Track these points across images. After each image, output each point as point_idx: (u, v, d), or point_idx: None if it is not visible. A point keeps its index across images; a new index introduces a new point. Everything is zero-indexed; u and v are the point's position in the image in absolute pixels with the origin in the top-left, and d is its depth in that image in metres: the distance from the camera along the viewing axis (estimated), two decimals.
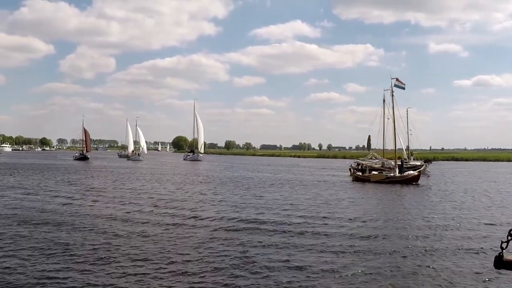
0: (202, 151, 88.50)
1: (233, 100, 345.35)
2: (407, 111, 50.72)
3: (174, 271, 9.61)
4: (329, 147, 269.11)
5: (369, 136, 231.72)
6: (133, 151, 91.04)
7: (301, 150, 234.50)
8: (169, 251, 11.45)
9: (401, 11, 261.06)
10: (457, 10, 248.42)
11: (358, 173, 37.40)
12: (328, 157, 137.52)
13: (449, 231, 14.75)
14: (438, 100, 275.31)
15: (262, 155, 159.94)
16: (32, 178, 35.81)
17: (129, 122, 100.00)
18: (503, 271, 3.84)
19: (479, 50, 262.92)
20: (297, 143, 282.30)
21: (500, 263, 3.59)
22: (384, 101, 45.54)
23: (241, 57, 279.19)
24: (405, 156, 44.57)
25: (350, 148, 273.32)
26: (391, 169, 36.48)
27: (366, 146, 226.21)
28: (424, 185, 33.65)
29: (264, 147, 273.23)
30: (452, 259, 10.98)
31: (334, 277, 9.48)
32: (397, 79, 35.15)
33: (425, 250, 11.86)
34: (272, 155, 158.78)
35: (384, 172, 36.70)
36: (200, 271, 9.67)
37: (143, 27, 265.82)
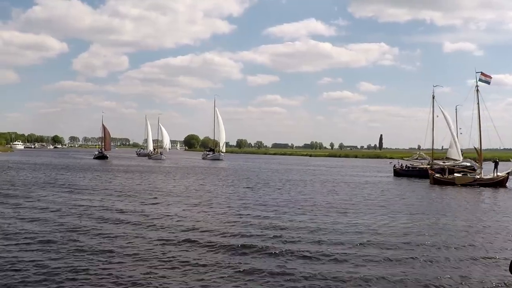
0: (224, 150, 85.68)
1: (246, 99, 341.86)
2: (456, 109, 47.74)
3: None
4: (341, 146, 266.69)
5: (381, 136, 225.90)
6: (155, 149, 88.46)
7: (312, 149, 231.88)
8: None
9: (416, 9, 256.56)
10: (472, 9, 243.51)
11: (437, 175, 34.28)
12: (340, 156, 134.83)
13: None
14: (451, 99, 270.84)
15: (274, 154, 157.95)
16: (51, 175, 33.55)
17: (148, 120, 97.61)
18: None
19: (493, 49, 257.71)
20: (309, 142, 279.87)
21: None
22: (433, 97, 42.90)
23: (254, 56, 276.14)
24: (458, 157, 41.56)
25: (362, 147, 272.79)
26: (474, 170, 33.52)
27: (378, 145, 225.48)
28: None
29: (275, 145, 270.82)
30: None
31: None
32: (482, 73, 32.01)
33: None
34: (284, 154, 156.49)
35: (468, 174, 33.76)
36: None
37: (157, 25, 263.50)
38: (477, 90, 32.14)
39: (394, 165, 46.32)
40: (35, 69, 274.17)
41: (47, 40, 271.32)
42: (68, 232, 13.22)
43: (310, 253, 11.16)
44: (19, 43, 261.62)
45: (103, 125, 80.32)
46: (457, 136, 42.75)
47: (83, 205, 18.93)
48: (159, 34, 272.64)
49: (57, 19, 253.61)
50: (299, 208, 19.41)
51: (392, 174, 44.97)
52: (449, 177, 33.45)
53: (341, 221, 16.04)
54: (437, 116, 42.20)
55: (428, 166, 42.22)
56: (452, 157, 43.75)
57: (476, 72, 32.58)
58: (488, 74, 31.88)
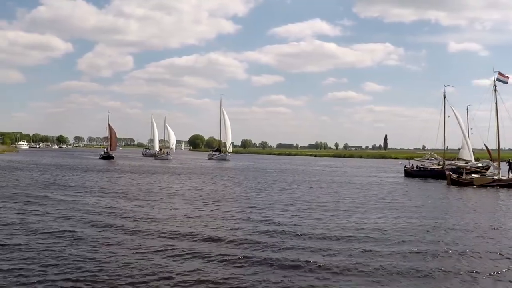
0: (230, 150, 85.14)
1: (251, 99, 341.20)
2: (467, 109, 47.09)
3: None
4: (346, 146, 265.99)
5: (386, 136, 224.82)
6: (161, 149, 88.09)
7: (317, 149, 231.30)
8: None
9: (422, 9, 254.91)
10: (477, 9, 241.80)
11: (454, 175, 33.58)
12: (344, 157, 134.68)
13: None
14: (455, 99, 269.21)
15: (279, 154, 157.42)
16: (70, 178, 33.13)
17: (155, 120, 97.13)
18: None
19: (498, 49, 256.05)
20: (313, 142, 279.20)
21: None
22: (444, 97, 42.31)
23: (259, 56, 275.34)
24: (470, 158, 40.87)
25: (367, 147, 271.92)
26: (487, 170, 32.88)
27: (382, 145, 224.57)
28: None
29: (280, 146, 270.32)
30: None
31: None
32: (499, 73, 31.50)
33: None
34: (289, 154, 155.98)
35: (486, 174, 33.12)
36: None
37: (162, 25, 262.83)
38: (495, 90, 31.56)
39: (405, 165, 45.61)
40: (40, 69, 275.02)
41: (52, 40, 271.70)
42: (73, 234, 12.81)
43: (319, 262, 10.40)
44: (24, 43, 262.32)
45: (109, 125, 79.87)
46: (468, 136, 42.16)
47: (89, 206, 18.53)
48: (164, 34, 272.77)
49: (62, 19, 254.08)
50: (309, 210, 18.79)
51: (403, 175, 44.31)
52: (467, 178, 32.82)
53: (360, 225, 15.46)
54: (448, 116, 41.66)
55: (439, 167, 41.64)
56: (464, 158, 43.12)
57: (494, 72, 32.12)
58: (505, 74, 31.35)
